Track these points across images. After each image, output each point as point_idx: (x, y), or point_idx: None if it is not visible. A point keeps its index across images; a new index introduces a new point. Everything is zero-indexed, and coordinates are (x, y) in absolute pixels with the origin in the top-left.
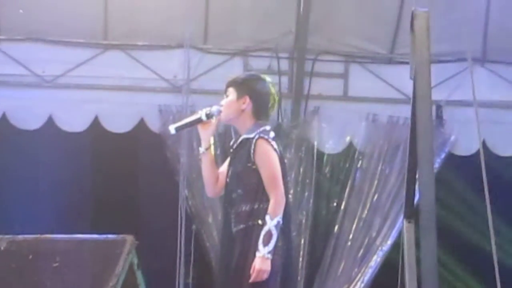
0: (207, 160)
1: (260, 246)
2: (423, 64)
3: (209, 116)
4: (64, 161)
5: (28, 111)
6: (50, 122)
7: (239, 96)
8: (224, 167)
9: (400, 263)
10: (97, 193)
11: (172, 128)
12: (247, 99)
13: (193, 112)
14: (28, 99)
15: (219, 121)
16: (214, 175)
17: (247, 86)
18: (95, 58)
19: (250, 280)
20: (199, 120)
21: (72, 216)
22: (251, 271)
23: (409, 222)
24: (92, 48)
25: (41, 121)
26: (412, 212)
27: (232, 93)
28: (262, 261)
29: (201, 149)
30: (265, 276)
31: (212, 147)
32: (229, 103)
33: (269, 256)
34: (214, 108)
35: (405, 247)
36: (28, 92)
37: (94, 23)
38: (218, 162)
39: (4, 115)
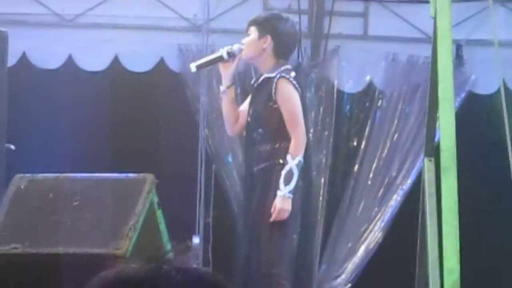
0: (227, 99)
1: (281, 185)
2: (443, 3)
3: (230, 54)
4: (84, 100)
5: (48, 50)
6: (69, 61)
7: (261, 35)
8: (244, 106)
9: (420, 201)
10: (116, 133)
11: (193, 66)
12: (268, 38)
13: (213, 51)
14: (48, 38)
15: (240, 60)
16: (235, 114)
17: (269, 25)
18: None
19: (271, 219)
20: (220, 58)
21: (92, 156)
22: (272, 210)
23: (429, 160)
24: None
25: (61, 60)
26: (432, 150)
27: (253, 32)
28: (283, 200)
29: (222, 88)
30: (286, 215)
31: (233, 86)
32: (250, 42)
33: (290, 195)
34: (236, 47)
35: (426, 185)
36: (48, 31)
37: None
38: (238, 101)
39: (24, 54)
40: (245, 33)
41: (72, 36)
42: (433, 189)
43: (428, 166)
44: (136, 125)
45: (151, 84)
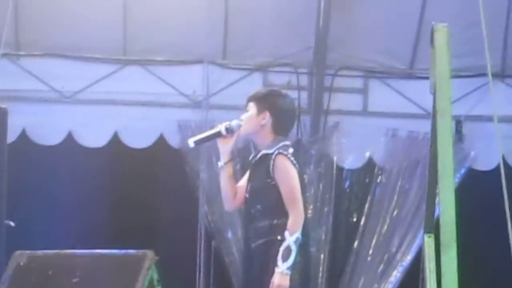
0: (226, 174)
1: (279, 261)
2: (443, 79)
3: (228, 130)
4: (83, 176)
5: (48, 127)
6: (69, 137)
7: (259, 111)
8: (243, 182)
9: (420, 278)
10: (116, 209)
11: (191, 142)
12: (267, 115)
13: (212, 127)
14: (48, 115)
15: (239, 136)
16: (233, 190)
17: (268, 101)
18: (114, 73)
19: None
20: (218, 134)
21: (92, 232)
22: (270, 287)
23: (429, 236)
24: (111, 64)
25: (60, 136)
26: (432, 227)
27: (252, 108)
28: (281, 277)
29: (220, 163)
30: None
31: (231, 162)
32: (249, 118)
33: (288, 272)
34: (234, 123)
35: (425, 261)
36: (48, 108)
37: (113, 39)
38: (237, 177)
39: (23, 131)
40: (244, 109)
41: (72, 113)
42: (433, 265)
43: (428, 242)
44: (136, 201)
45: (151, 160)
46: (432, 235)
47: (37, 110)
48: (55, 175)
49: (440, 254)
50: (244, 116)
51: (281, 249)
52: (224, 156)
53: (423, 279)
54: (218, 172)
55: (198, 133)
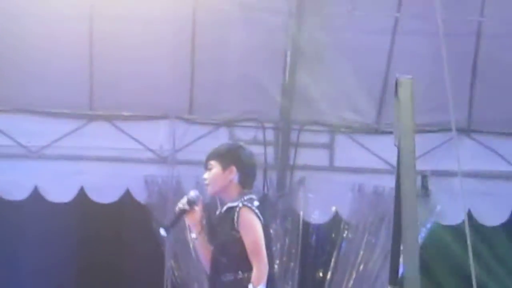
0: (201, 244)
1: None
2: (407, 131)
3: (191, 203)
4: (50, 231)
5: (14, 182)
6: (35, 193)
7: (225, 167)
8: None
9: None
10: (83, 263)
11: (162, 231)
12: (234, 169)
13: (179, 183)
14: (14, 170)
15: (202, 206)
16: (210, 253)
17: (232, 156)
18: (80, 129)
19: None
20: (183, 212)
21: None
22: None
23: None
24: (77, 119)
25: (27, 192)
26: (396, 279)
27: (215, 166)
28: None
29: (193, 235)
30: None
31: (203, 230)
32: (215, 176)
33: None
34: (193, 194)
35: None
36: (14, 163)
37: (79, 94)
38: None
39: None
40: (205, 167)
41: (38, 168)
42: None
43: None
44: (102, 255)
45: (117, 216)
46: (397, 287)
47: (2, 165)
48: (21, 231)
49: None
50: (208, 175)
51: None
52: (195, 228)
53: None
54: (185, 228)
55: (165, 189)
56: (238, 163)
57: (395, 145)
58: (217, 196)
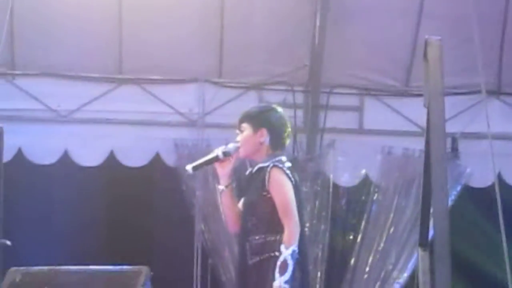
0: (227, 198)
1: (277, 275)
2: (436, 92)
3: (226, 154)
4: (80, 195)
5: (44, 146)
6: (65, 156)
7: (256, 129)
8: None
9: None
10: (112, 228)
11: (189, 168)
12: (265, 132)
13: (208, 147)
14: (43, 134)
15: (237, 158)
16: (236, 212)
17: (263, 118)
18: (109, 92)
19: None
20: (216, 159)
21: (88, 251)
22: None
23: (424, 250)
24: (106, 83)
25: (56, 155)
26: (427, 240)
27: (247, 128)
28: None
29: (221, 187)
30: None
31: (231, 185)
32: (246, 138)
33: (286, 285)
34: (231, 146)
35: (420, 275)
36: (43, 127)
37: (108, 58)
38: (236, 197)
39: (19, 150)
40: (237, 129)
41: (68, 132)
42: (428, 278)
43: (422, 255)
44: (132, 220)
45: (147, 179)
46: (427, 249)
47: (32, 130)
48: (51, 194)
49: (434, 267)
50: (240, 137)
51: (278, 263)
52: (223, 180)
53: None
54: (215, 191)
55: (194, 152)
56: (269, 125)
57: (424, 106)
58: (248, 160)
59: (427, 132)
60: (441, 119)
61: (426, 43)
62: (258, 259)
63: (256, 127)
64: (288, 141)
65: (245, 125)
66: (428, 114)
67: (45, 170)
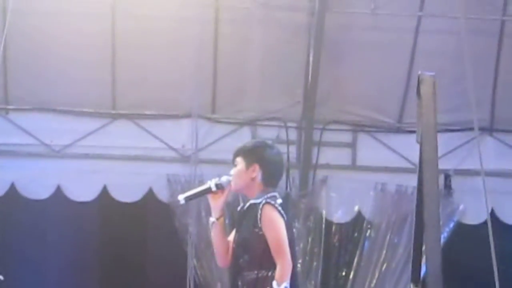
0: (217, 230)
1: None
2: (429, 128)
3: (219, 186)
4: (73, 230)
5: (37, 181)
6: (58, 191)
7: (248, 164)
8: (232, 235)
9: None
10: (106, 263)
11: (181, 198)
12: (257, 168)
13: (202, 183)
14: (37, 169)
15: (230, 192)
16: (225, 245)
17: (256, 154)
18: (103, 127)
19: None
20: (208, 190)
21: (81, 286)
22: None
23: (416, 286)
24: (100, 118)
25: (49, 190)
26: (419, 277)
27: (240, 162)
28: None
29: (212, 219)
30: None
31: (223, 217)
32: (238, 173)
33: None
34: (224, 179)
35: None
36: (37, 162)
37: (102, 93)
38: (227, 231)
39: (12, 185)
40: (232, 163)
41: (61, 167)
42: None
43: None
44: (125, 254)
45: (140, 214)
46: (420, 286)
47: (26, 164)
48: (44, 229)
49: None
50: (233, 171)
51: None
52: (215, 212)
53: None
54: (208, 227)
55: (188, 188)
56: (262, 161)
57: (417, 142)
58: (240, 194)
59: (420, 167)
60: (434, 154)
61: (419, 79)
62: None
63: (249, 162)
64: (280, 178)
65: (239, 160)
66: (420, 149)
67: (38, 205)
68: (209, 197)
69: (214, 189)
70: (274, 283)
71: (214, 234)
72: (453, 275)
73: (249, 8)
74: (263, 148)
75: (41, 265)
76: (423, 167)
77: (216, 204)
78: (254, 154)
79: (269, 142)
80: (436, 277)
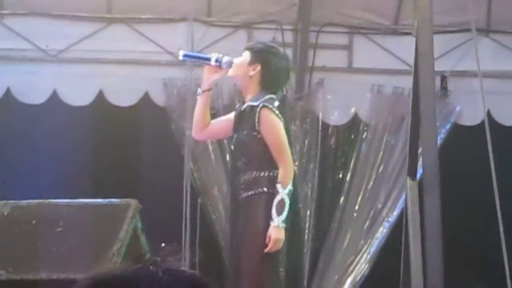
0: (201, 102)
1: (274, 215)
2: (425, 21)
3: (217, 61)
4: (69, 134)
5: (33, 86)
6: (54, 96)
7: (252, 61)
8: (222, 119)
9: (403, 220)
10: (102, 168)
11: (181, 53)
12: (258, 68)
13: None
14: (33, 74)
15: (226, 73)
16: (205, 119)
17: (263, 55)
18: (99, 32)
19: (266, 250)
20: (207, 61)
21: (77, 187)
22: (267, 240)
23: (412, 179)
24: (96, 22)
25: (45, 95)
26: (415, 170)
27: (246, 56)
28: (277, 230)
29: (199, 90)
30: (280, 245)
31: (210, 91)
32: (240, 64)
33: (283, 225)
34: (226, 59)
35: (409, 204)
36: (32, 67)
37: None
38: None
39: (8, 90)
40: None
41: (57, 71)
42: (417, 208)
43: (411, 185)
44: (121, 159)
45: (137, 118)
46: (415, 178)
47: (22, 69)
48: (41, 134)
49: (424, 195)
50: (236, 59)
51: (275, 202)
52: (205, 84)
53: (406, 222)
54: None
55: (184, 91)
56: (265, 64)
57: (413, 35)
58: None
59: (415, 60)
60: (430, 47)
61: None
62: (247, 195)
63: (253, 59)
64: (281, 87)
65: (246, 53)
66: (416, 42)
67: (35, 110)
68: (206, 68)
69: (213, 63)
70: (279, 186)
71: (198, 104)
72: (450, 175)
73: None
74: (272, 54)
75: (36, 168)
76: (419, 59)
77: (208, 77)
78: (260, 54)
79: (283, 52)
80: (432, 170)
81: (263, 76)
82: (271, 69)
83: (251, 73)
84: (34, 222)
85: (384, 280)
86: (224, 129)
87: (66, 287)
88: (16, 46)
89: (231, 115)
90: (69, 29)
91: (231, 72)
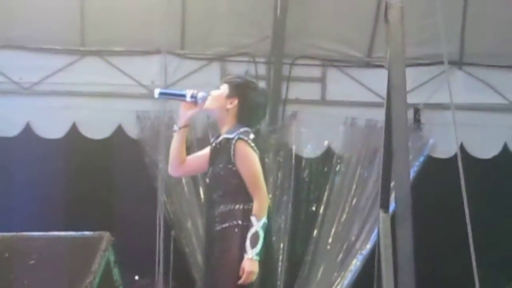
0: (178, 139)
1: (248, 247)
2: (397, 54)
3: (192, 97)
4: (42, 167)
5: (6, 118)
6: (27, 129)
7: (230, 95)
8: (197, 155)
9: (376, 253)
10: (75, 199)
11: (156, 92)
12: (236, 101)
13: (171, 119)
14: (6, 106)
15: (201, 108)
16: (181, 156)
17: (241, 90)
18: (72, 64)
19: (240, 282)
20: (183, 98)
21: (49, 221)
22: (241, 273)
23: (385, 212)
24: (69, 55)
25: (18, 128)
26: (388, 203)
27: (224, 89)
28: (251, 263)
29: (175, 127)
30: (254, 278)
31: (186, 128)
32: (217, 96)
33: (257, 257)
34: (201, 94)
35: (381, 237)
36: (6, 99)
37: (71, 30)
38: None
39: None
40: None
41: (30, 104)
42: (389, 241)
43: (383, 218)
44: (94, 192)
45: (110, 151)
46: (388, 211)
47: None
48: (14, 167)
49: (396, 228)
50: (214, 92)
51: (249, 235)
52: (181, 121)
53: (379, 255)
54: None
55: (157, 124)
56: (243, 99)
57: (386, 68)
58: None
59: (388, 93)
60: (402, 80)
61: (386, 5)
62: (223, 227)
63: (232, 93)
64: (257, 123)
65: (224, 86)
66: (388, 76)
67: (7, 142)
68: (181, 105)
69: (188, 99)
70: (253, 218)
71: (174, 141)
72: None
73: None
74: (250, 89)
75: (9, 200)
76: (392, 92)
77: (184, 113)
78: (239, 88)
79: (261, 87)
80: (405, 202)
81: (240, 110)
82: (248, 103)
83: (229, 106)
84: (7, 255)
85: None
86: (201, 165)
87: None
88: None
89: (207, 150)
90: (43, 62)
91: (208, 104)
